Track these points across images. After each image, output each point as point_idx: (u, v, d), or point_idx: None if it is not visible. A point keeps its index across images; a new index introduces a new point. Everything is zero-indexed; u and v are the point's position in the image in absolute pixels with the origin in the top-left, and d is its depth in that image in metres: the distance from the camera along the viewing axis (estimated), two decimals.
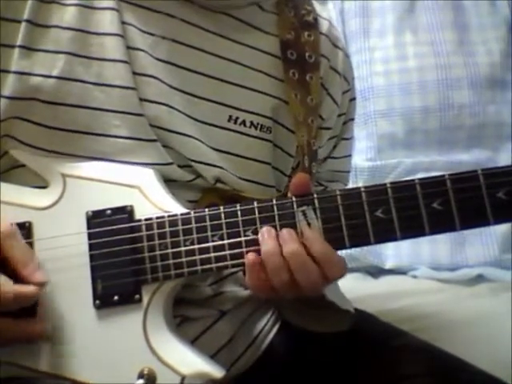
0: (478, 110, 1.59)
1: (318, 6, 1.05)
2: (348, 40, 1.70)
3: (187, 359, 0.81)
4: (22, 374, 0.81)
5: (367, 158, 1.61)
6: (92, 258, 0.82)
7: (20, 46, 0.84)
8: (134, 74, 0.86)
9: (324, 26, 1.03)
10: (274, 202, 0.81)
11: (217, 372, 0.80)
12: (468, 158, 1.57)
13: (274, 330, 1.06)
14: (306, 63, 0.97)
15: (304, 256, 0.78)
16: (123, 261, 0.81)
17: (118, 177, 0.84)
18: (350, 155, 1.15)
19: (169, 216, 0.82)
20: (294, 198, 0.81)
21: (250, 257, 0.79)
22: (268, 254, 0.78)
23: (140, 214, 0.82)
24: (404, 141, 1.59)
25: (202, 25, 0.91)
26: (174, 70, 0.89)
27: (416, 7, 1.69)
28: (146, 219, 0.82)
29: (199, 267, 0.80)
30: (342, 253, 0.82)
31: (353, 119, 1.12)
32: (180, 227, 0.81)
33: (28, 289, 0.77)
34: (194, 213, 0.82)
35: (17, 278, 0.78)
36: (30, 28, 0.84)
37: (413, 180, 0.78)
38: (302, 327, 0.98)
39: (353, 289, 1.14)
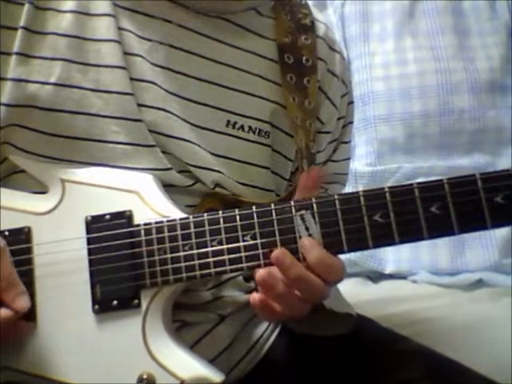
0: (478, 114, 1.59)
1: (314, 10, 1.05)
2: (348, 45, 1.70)
3: (186, 364, 0.81)
4: (19, 378, 0.81)
5: (367, 163, 1.61)
6: (91, 262, 0.82)
7: (17, 53, 0.84)
8: (132, 79, 0.86)
9: (321, 29, 1.03)
10: (273, 206, 0.81)
11: (216, 376, 0.80)
12: (468, 163, 1.57)
13: (274, 334, 1.06)
14: (304, 67, 0.98)
15: (308, 276, 0.78)
16: (122, 266, 0.81)
17: (116, 182, 0.84)
18: (348, 158, 1.16)
19: (167, 221, 0.82)
20: (292, 203, 0.81)
21: (255, 298, 0.80)
22: (273, 295, 0.79)
23: (139, 219, 0.82)
24: (404, 146, 1.59)
25: (200, 30, 0.92)
26: (172, 76, 0.89)
27: (416, 12, 1.69)
28: (145, 224, 0.82)
29: (198, 272, 0.81)
30: (341, 257, 0.82)
31: (352, 122, 1.12)
32: (179, 232, 0.81)
33: (3, 314, 0.76)
34: (193, 218, 0.82)
35: None
36: (27, 35, 0.84)
37: (411, 184, 0.78)
38: (303, 332, 0.98)
39: (353, 293, 1.14)
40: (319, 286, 0.79)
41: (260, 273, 0.78)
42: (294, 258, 0.79)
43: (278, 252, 0.79)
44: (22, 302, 0.78)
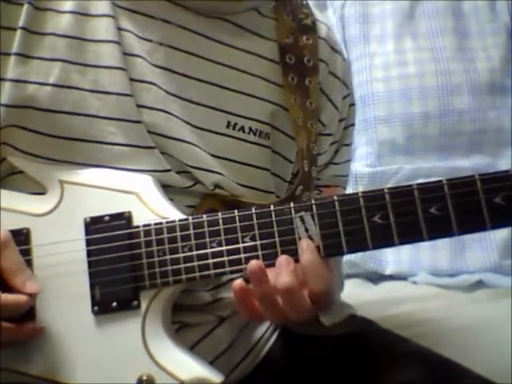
0: (478, 116, 1.59)
1: (315, 11, 1.05)
2: (348, 46, 1.70)
3: (186, 365, 0.81)
4: (19, 379, 0.81)
5: (367, 164, 1.60)
6: (90, 264, 0.82)
7: (16, 54, 0.84)
8: (132, 80, 0.86)
9: (322, 29, 1.03)
10: (272, 207, 0.81)
11: (216, 377, 0.80)
12: (468, 164, 1.57)
13: (274, 336, 1.06)
14: (305, 67, 0.97)
15: (296, 291, 0.78)
16: (121, 267, 0.81)
17: (115, 183, 0.84)
18: (349, 160, 1.16)
19: (167, 222, 0.82)
20: (291, 204, 0.81)
21: (237, 284, 0.79)
22: (260, 290, 0.79)
23: (138, 220, 0.82)
24: (404, 147, 1.59)
25: (200, 31, 0.91)
26: (172, 76, 0.89)
27: (416, 13, 1.69)
28: (144, 225, 0.82)
29: (197, 273, 0.81)
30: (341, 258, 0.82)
31: (353, 125, 1.12)
32: (178, 233, 0.81)
33: (18, 298, 0.77)
34: (192, 219, 0.82)
35: (9, 287, 0.78)
36: (26, 35, 0.84)
37: (410, 185, 0.78)
38: (302, 332, 0.98)
39: (352, 295, 1.14)
40: (305, 306, 0.79)
41: (253, 263, 0.78)
42: (295, 269, 0.78)
43: (285, 257, 0.79)
44: (34, 285, 0.78)
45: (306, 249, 0.79)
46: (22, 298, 0.77)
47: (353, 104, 1.10)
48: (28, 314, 0.80)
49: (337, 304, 0.98)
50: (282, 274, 0.78)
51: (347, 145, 1.11)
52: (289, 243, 0.80)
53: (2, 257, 0.78)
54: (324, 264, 0.79)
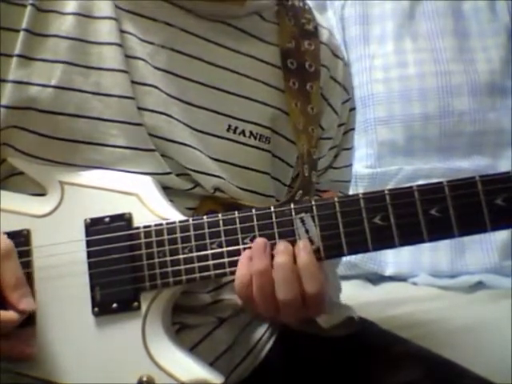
0: (478, 117, 1.59)
1: (317, 15, 1.05)
2: (348, 47, 1.70)
3: (186, 366, 0.81)
4: (21, 381, 0.81)
5: (367, 165, 1.61)
6: (90, 265, 0.82)
7: (18, 55, 0.83)
8: (133, 83, 0.86)
9: (324, 35, 1.03)
10: (273, 209, 0.81)
11: (216, 379, 0.80)
12: (468, 165, 1.57)
13: (273, 337, 1.06)
14: (307, 72, 0.98)
15: (290, 269, 0.78)
16: (121, 268, 0.81)
17: (116, 184, 0.84)
18: (350, 165, 1.15)
19: (167, 223, 0.82)
20: (292, 205, 0.81)
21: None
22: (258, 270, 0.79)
23: (138, 221, 0.82)
24: (404, 148, 1.59)
25: (202, 34, 0.91)
26: (173, 79, 0.89)
27: (416, 14, 1.69)
28: (145, 227, 0.82)
29: (198, 274, 0.81)
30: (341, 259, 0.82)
31: (353, 129, 1.12)
32: (178, 235, 0.81)
33: (8, 316, 0.76)
34: (193, 220, 0.82)
35: (4, 300, 0.77)
36: (28, 37, 0.84)
37: (411, 186, 0.78)
38: (302, 330, 0.98)
39: (352, 296, 1.15)
40: (295, 287, 0.78)
41: (259, 239, 0.79)
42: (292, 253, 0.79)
43: (285, 243, 0.80)
44: (28, 303, 0.78)
45: (303, 250, 0.78)
46: (12, 315, 0.76)
47: (353, 108, 1.11)
48: (28, 315, 0.79)
49: (335, 305, 0.98)
50: (277, 254, 0.79)
51: (347, 149, 1.11)
52: None
53: (3, 268, 0.77)
54: (320, 266, 0.79)
